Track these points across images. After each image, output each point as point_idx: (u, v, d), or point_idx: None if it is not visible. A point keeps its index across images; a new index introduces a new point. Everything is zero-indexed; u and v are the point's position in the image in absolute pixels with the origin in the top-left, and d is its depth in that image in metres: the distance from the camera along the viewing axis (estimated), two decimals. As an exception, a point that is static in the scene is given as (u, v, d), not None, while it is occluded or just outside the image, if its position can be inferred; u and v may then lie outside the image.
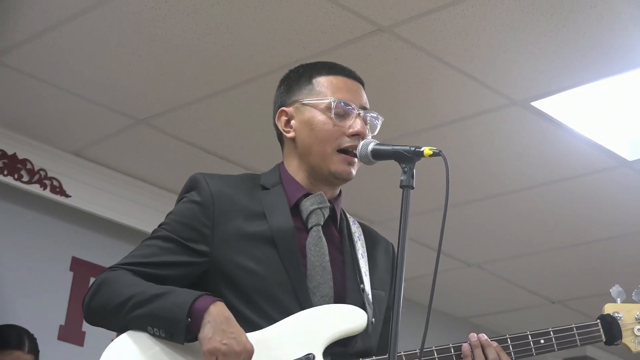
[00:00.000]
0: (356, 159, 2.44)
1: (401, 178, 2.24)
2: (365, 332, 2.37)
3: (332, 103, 2.46)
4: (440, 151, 2.25)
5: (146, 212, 5.31)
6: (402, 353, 2.34)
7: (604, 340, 2.58)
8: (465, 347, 2.42)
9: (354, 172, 2.46)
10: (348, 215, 2.57)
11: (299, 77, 2.53)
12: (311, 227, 2.42)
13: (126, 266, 2.35)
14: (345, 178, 2.46)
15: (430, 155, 2.26)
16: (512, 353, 2.45)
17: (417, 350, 2.32)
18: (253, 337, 2.23)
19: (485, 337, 2.43)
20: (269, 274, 2.34)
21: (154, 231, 2.41)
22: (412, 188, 2.23)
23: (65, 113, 4.80)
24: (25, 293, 5.07)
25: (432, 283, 2.17)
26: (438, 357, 2.39)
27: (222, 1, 3.92)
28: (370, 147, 2.37)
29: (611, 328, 2.58)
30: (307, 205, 2.44)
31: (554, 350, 2.52)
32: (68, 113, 4.80)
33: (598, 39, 3.99)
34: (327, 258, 2.40)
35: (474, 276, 6.23)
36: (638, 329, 2.59)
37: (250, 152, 5.06)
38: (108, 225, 5.36)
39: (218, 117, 4.78)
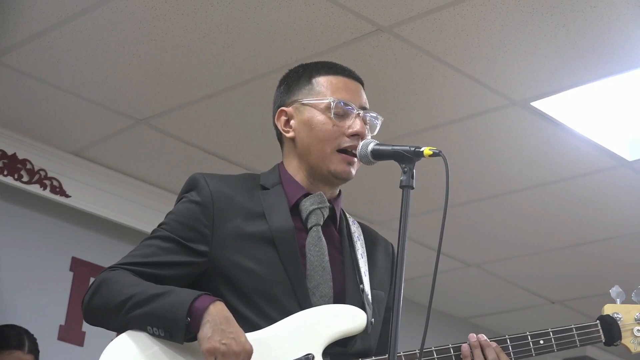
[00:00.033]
0: (356, 159, 2.44)
1: (401, 178, 2.24)
2: (364, 333, 2.37)
3: (332, 103, 2.45)
4: (440, 151, 2.25)
5: (146, 212, 5.31)
6: (402, 353, 2.34)
7: (604, 341, 2.58)
8: (465, 347, 2.42)
9: (353, 171, 2.46)
10: (348, 215, 2.57)
11: (299, 76, 2.53)
12: (311, 227, 2.42)
13: (125, 266, 2.35)
14: (344, 178, 2.46)
15: (430, 156, 2.26)
16: (511, 353, 2.45)
17: (417, 351, 2.32)
18: (252, 337, 2.23)
19: (485, 337, 2.43)
20: (269, 274, 2.34)
21: (154, 231, 2.41)
22: (412, 188, 2.23)
23: (65, 113, 4.80)
24: (25, 293, 5.07)
25: (432, 283, 2.17)
26: (437, 358, 2.39)
27: (222, 1, 3.92)
28: (370, 147, 2.37)
29: (611, 329, 2.58)
30: (306, 205, 2.44)
31: (553, 351, 2.52)
32: (68, 113, 4.80)
33: (598, 39, 3.99)
34: (327, 258, 2.40)
35: (474, 276, 6.23)
36: (637, 330, 2.59)
37: (250, 152, 5.06)
38: (108, 226, 5.36)
39: (218, 117, 4.78)
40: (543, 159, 4.91)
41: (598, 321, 2.59)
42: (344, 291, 2.40)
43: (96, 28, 4.12)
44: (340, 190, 2.54)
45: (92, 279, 4.73)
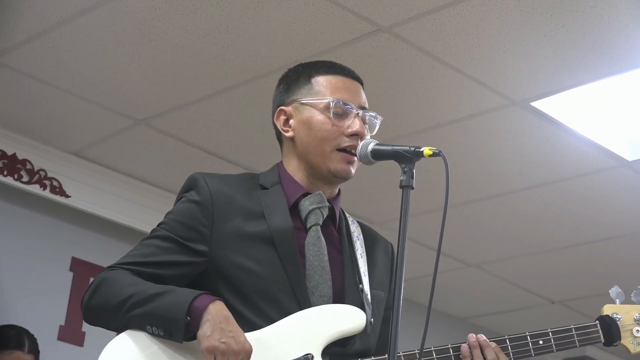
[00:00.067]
0: (355, 158, 2.44)
1: (401, 178, 2.24)
2: (364, 332, 2.37)
3: (331, 103, 2.45)
4: (440, 151, 2.24)
5: (146, 212, 5.31)
6: (401, 353, 2.34)
7: (603, 341, 2.58)
8: (464, 347, 2.41)
9: (353, 171, 2.46)
10: (347, 215, 2.56)
11: (298, 76, 2.53)
12: (310, 227, 2.42)
13: (125, 265, 2.35)
14: (344, 177, 2.46)
15: (430, 156, 2.25)
16: (510, 354, 2.45)
17: (416, 351, 2.32)
18: (251, 336, 2.23)
19: (484, 337, 2.43)
20: (268, 273, 2.34)
21: (153, 231, 2.41)
22: (412, 188, 2.23)
23: (65, 113, 4.80)
24: (25, 293, 5.07)
25: (432, 283, 2.17)
26: (437, 358, 2.39)
27: (222, 1, 3.92)
28: (370, 147, 2.37)
29: (610, 329, 2.58)
30: (306, 204, 2.44)
31: (552, 351, 2.52)
32: (68, 113, 4.80)
33: (598, 39, 3.99)
34: (326, 258, 2.40)
35: (473, 276, 6.23)
36: (637, 330, 2.59)
37: (250, 152, 5.06)
38: (108, 226, 5.36)
39: (218, 117, 4.78)
40: (543, 159, 4.91)
41: (597, 321, 2.59)
42: (344, 291, 2.40)
43: (96, 28, 4.12)
44: (339, 190, 2.54)
45: (92, 279, 4.74)
